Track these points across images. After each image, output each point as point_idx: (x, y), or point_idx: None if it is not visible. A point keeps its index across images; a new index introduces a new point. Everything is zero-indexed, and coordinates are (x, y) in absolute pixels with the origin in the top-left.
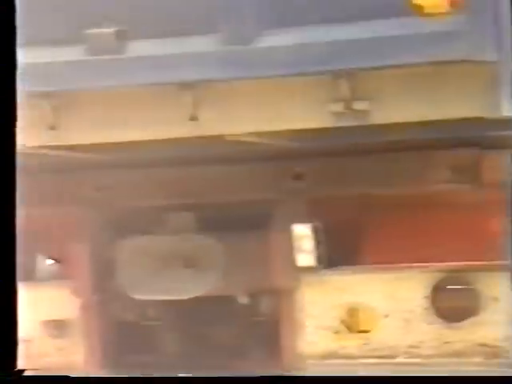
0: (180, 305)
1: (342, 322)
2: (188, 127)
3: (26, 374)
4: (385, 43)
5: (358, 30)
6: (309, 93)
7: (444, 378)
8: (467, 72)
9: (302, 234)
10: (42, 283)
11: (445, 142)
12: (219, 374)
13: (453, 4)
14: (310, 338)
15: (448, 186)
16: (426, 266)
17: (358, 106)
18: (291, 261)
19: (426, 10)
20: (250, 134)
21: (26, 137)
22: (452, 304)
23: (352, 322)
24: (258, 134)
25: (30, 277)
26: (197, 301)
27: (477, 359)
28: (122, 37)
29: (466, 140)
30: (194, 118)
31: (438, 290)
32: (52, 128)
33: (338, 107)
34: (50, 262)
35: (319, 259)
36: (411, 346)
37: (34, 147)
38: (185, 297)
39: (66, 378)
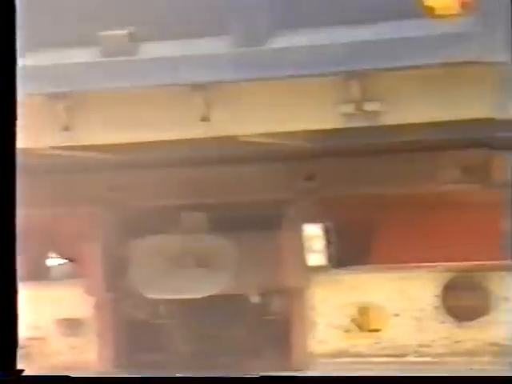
0: (192, 304)
1: (353, 320)
2: (200, 128)
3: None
4: (396, 45)
5: (370, 31)
6: (320, 94)
7: (446, 378)
8: (478, 73)
9: (313, 233)
10: (55, 282)
11: (455, 143)
12: (226, 374)
13: (464, 5)
14: (320, 337)
15: (458, 186)
16: (437, 266)
17: (369, 107)
18: (302, 260)
19: (438, 12)
20: (262, 134)
21: (40, 138)
22: (462, 303)
23: (363, 321)
24: (270, 135)
25: (44, 276)
26: (209, 300)
27: (487, 358)
28: (134, 38)
29: (477, 141)
30: (205, 119)
31: (448, 290)
32: (66, 129)
33: (349, 108)
34: (63, 261)
35: (330, 259)
36: (422, 345)
37: (47, 148)
38: (197, 296)
39: (67, 378)
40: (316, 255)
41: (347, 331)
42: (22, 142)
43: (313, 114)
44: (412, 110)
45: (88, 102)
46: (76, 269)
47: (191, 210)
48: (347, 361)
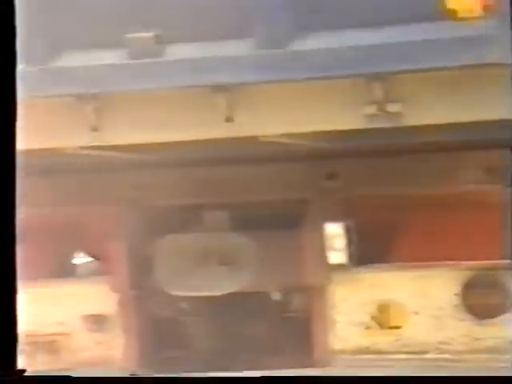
0: (214, 301)
1: (373, 318)
2: (224, 129)
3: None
4: (418, 47)
5: (392, 34)
6: (342, 95)
7: (446, 378)
8: (498, 75)
9: (334, 232)
10: (81, 279)
11: (476, 144)
12: (248, 371)
13: (486, 8)
14: (341, 334)
15: (479, 186)
16: (457, 264)
17: (391, 108)
18: (323, 259)
19: (460, 15)
20: (284, 135)
21: (69, 138)
22: (482, 301)
23: (383, 319)
24: (292, 136)
25: (71, 273)
26: (231, 297)
27: (507, 356)
28: (160, 41)
29: (497, 141)
30: (229, 120)
31: (468, 288)
32: (94, 129)
33: (372, 109)
34: (89, 259)
35: (351, 257)
36: (442, 343)
37: (76, 148)
38: (219, 293)
39: (67, 377)
40: (337, 254)
41: (368, 328)
42: (50, 142)
43: (335, 115)
44: (433, 111)
45: (115, 103)
46: (101, 266)
47: (214, 209)
48: (368, 358)
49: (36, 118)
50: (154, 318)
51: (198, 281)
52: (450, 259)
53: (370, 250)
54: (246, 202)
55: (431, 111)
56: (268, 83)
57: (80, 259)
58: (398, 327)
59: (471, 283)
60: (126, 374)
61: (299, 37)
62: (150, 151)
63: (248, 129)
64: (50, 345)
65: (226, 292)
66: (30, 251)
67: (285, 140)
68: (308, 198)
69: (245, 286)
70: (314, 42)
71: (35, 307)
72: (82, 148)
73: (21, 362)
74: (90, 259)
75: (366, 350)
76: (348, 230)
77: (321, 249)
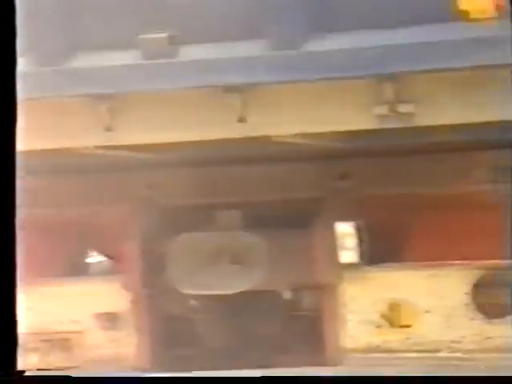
0: (226, 300)
1: (383, 316)
2: (236, 129)
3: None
4: (431, 48)
5: (405, 35)
6: (354, 95)
7: (446, 378)
8: (510, 76)
9: (346, 231)
10: (95, 278)
11: (487, 144)
12: (259, 369)
13: (499, 9)
14: (352, 333)
15: (490, 186)
16: (467, 264)
17: (403, 108)
18: (335, 258)
19: (472, 16)
20: (297, 135)
21: (84, 137)
22: (493, 301)
23: (393, 317)
24: (304, 136)
25: (84, 272)
26: (243, 296)
27: None
28: (174, 42)
29: (509, 141)
30: (242, 120)
31: (478, 287)
32: (108, 129)
33: (383, 110)
34: (102, 258)
35: (362, 256)
36: (453, 341)
37: (91, 147)
38: (231, 292)
39: (67, 377)
40: (348, 253)
41: (378, 327)
42: (65, 142)
43: (347, 115)
44: (445, 111)
45: (129, 104)
46: (114, 265)
47: (227, 209)
48: (378, 356)
49: (51, 118)
50: (166, 317)
51: (210, 279)
52: (461, 258)
53: (381, 249)
54: (259, 201)
55: (443, 112)
56: (281, 84)
57: (93, 258)
58: (408, 326)
59: (482, 282)
60: (127, 374)
61: (312, 37)
62: (163, 151)
63: (260, 129)
64: (63, 342)
65: (237, 291)
66: (43, 250)
67: (297, 140)
68: (320, 198)
69: (256, 284)
70: (327, 43)
71: (49, 305)
72: (96, 148)
73: (34, 360)
74: (104, 258)
75: (376, 349)
76: (359, 230)
77: (332, 248)
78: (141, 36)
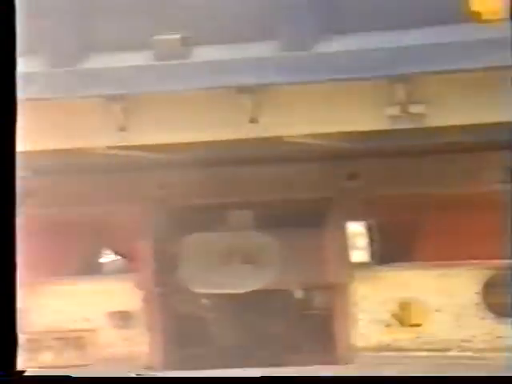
0: (238, 299)
1: (394, 315)
2: (248, 129)
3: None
4: (443, 49)
5: (416, 36)
6: (366, 96)
7: (445, 378)
8: None
9: (357, 231)
10: (107, 276)
11: (498, 144)
12: (270, 368)
13: (510, 10)
14: (362, 332)
15: (500, 186)
16: (478, 263)
17: (414, 109)
18: (345, 257)
19: (484, 17)
20: (308, 135)
21: (98, 138)
22: (503, 300)
23: (404, 316)
24: (316, 136)
25: (97, 271)
26: (254, 295)
27: None
28: (186, 43)
29: None
30: (254, 121)
31: (488, 287)
32: (122, 129)
33: (395, 110)
34: (115, 257)
35: (373, 256)
36: (464, 340)
37: (105, 147)
38: (243, 291)
39: (67, 377)
40: (359, 252)
41: (388, 326)
42: (79, 142)
43: (359, 116)
44: (456, 112)
45: (142, 104)
46: (127, 264)
47: (238, 208)
48: (389, 355)
49: (64, 118)
50: (178, 315)
51: (221, 279)
52: (471, 258)
53: (391, 248)
54: (270, 201)
55: (455, 112)
56: (292, 84)
57: (106, 257)
58: (418, 325)
59: (492, 282)
60: (127, 374)
61: (323, 39)
62: (175, 151)
63: (272, 129)
64: (76, 341)
65: (249, 290)
66: (57, 249)
67: (308, 140)
68: (331, 198)
69: (268, 284)
70: (338, 44)
71: (63, 304)
72: (109, 148)
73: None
74: (117, 257)
75: (387, 348)
76: (370, 229)
77: (343, 247)
78: (154, 37)
